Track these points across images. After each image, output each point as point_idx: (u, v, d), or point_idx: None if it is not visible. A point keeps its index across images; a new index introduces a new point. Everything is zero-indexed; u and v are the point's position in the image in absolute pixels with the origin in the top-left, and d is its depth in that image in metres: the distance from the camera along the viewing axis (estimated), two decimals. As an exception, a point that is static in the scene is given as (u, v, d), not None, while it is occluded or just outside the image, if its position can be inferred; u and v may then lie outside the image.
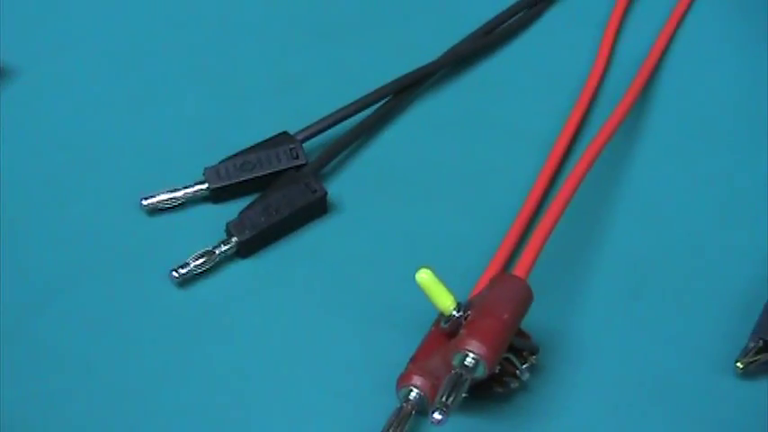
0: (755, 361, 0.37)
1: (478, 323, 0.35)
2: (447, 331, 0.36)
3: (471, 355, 0.34)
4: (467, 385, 0.34)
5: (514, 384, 0.37)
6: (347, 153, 0.44)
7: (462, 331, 0.35)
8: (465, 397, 0.36)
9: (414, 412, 0.36)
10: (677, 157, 0.44)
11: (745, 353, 0.37)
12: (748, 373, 0.37)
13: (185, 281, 0.40)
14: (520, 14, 0.48)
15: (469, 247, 0.40)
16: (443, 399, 0.34)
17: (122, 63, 0.46)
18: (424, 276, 0.36)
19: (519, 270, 0.37)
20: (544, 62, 0.47)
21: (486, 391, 0.37)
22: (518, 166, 0.43)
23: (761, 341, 0.37)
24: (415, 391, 0.36)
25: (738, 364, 0.37)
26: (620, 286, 0.40)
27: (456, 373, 0.34)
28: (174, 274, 0.39)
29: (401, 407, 0.36)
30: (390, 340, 0.38)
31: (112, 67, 0.46)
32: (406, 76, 0.45)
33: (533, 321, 0.37)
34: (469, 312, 0.35)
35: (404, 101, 0.45)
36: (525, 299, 0.36)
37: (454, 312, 0.36)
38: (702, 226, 0.42)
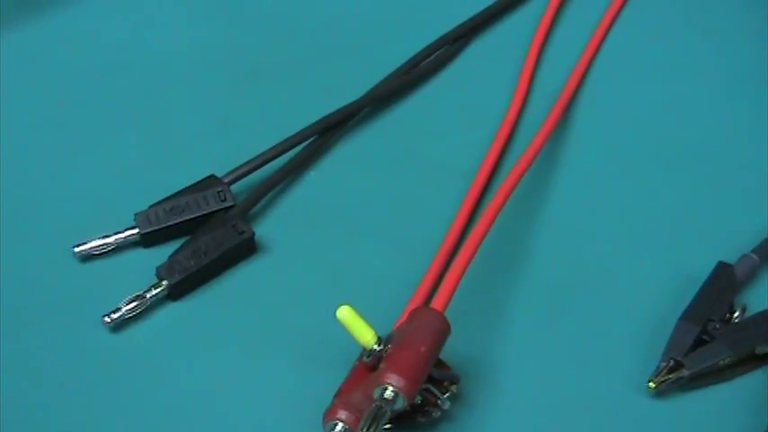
0: (666, 380, 0.39)
1: (397, 356, 0.36)
2: (369, 365, 0.37)
3: (390, 387, 0.35)
4: (387, 416, 0.35)
5: (436, 414, 0.38)
6: (274, 193, 0.45)
7: (382, 365, 0.36)
8: (391, 428, 0.37)
9: (340, 447, 0.37)
10: (593, 186, 0.45)
11: (656, 372, 0.39)
12: (660, 392, 0.39)
13: (118, 325, 0.41)
14: (440, 51, 0.50)
15: (395, 281, 0.41)
16: (364, 429, 0.35)
17: (53, 112, 0.47)
18: (345, 313, 0.37)
19: (437, 303, 0.38)
20: (464, 97, 0.49)
21: (410, 420, 0.38)
22: (440, 201, 0.44)
23: (672, 361, 0.39)
24: (340, 424, 0.37)
25: (651, 384, 0.39)
26: (537, 312, 0.41)
27: (376, 405, 0.35)
28: (107, 319, 0.40)
29: (327, 441, 0.37)
30: (320, 375, 0.39)
31: (44, 116, 0.47)
32: (329, 115, 0.46)
33: (455, 350, 0.38)
34: (389, 346, 0.36)
35: (329, 140, 0.47)
36: (443, 331, 0.37)
37: (375, 346, 0.37)
38: (617, 252, 0.43)
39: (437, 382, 0.37)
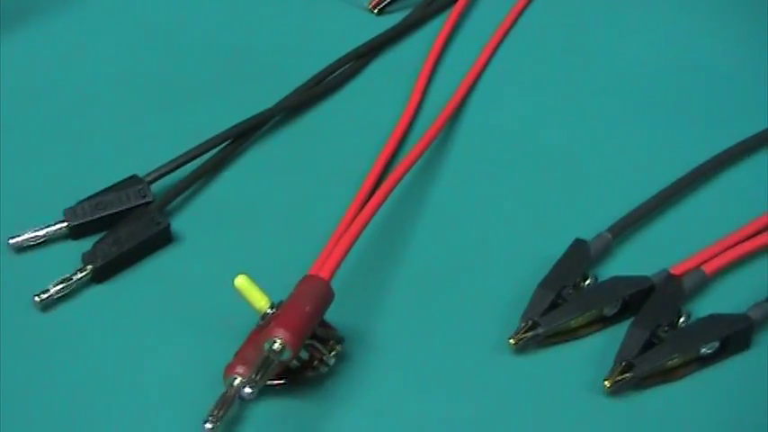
0: (525, 338, 0.44)
1: (283, 314, 0.41)
2: (263, 328, 0.42)
3: (278, 340, 0.40)
4: (275, 365, 0.40)
5: (323, 369, 0.43)
6: (190, 192, 0.50)
7: (271, 323, 0.41)
8: (284, 383, 0.42)
9: (237, 396, 0.42)
10: (469, 183, 0.51)
11: (516, 331, 0.44)
12: (520, 349, 0.44)
13: (47, 305, 0.45)
14: (344, 68, 0.55)
15: (293, 269, 0.44)
16: (254, 376, 0.40)
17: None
18: (241, 281, 0.42)
19: (323, 272, 0.43)
20: (364, 110, 0.54)
21: (301, 376, 0.43)
22: (337, 198, 0.49)
23: (530, 321, 0.44)
24: (238, 378, 0.42)
25: (511, 341, 0.44)
26: (415, 287, 0.46)
27: (265, 355, 0.40)
28: (37, 298, 0.45)
29: (226, 392, 0.42)
30: (224, 346, 0.43)
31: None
32: (243, 122, 0.52)
33: (342, 318, 0.43)
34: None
35: (242, 146, 0.52)
36: (326, 294, 0.42)
37: (268, 310, 0.42)
38: (486, 237, 0.48)
39: (323, 340, 0.42)
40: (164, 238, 0.48)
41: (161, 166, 0.49)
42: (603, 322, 0.45)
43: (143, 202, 0.48)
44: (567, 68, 0.56)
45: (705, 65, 0.56)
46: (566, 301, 0.44)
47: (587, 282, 0.45)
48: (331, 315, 0.43)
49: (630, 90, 0.55)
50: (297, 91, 0.54)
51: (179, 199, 0.49)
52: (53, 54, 0.56)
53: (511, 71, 0.56)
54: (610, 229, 0.47)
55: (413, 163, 0.49)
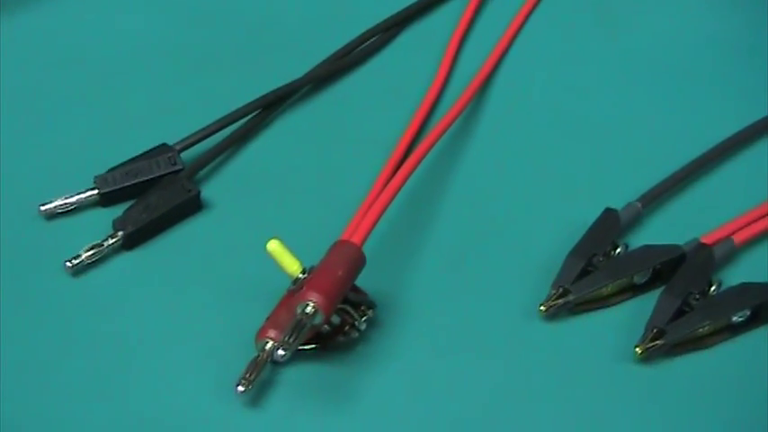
0: (555, 305, 0.44)
1: (316, 278, 0.41)
2: (295, 292, 0.42)
3: (311, 304, 0.40)
4: (307, 329, 0.41)
5: (354, 334, 0.43)
6: (220, 160, 0.50)
7: (304, 287, 0.41)
8: (316, 347, 0.42)
9: (269, 359, 0.42)
10: (499, 152, 0.51)
11: (547, 298, 0.44)
12: (550, 316, 0.44)
13: (78, 270, 0.45)
14: (372, 39, 0.55)
15: (322, 236, 0.44)
16: (287, 339, 0.40)
17: (26, 98, 0.52)
18: (273, 245, 0.42)
19: (355, 238, 0.43)
20: (392, 81, 0.54)
21: (332, 341, 0.43)
22: (367, 167, 0.49)
23: (560, 288, 0.44)
24: (270, 342, 0.42)
25: (541, 308, 0.44)
26: (446, 254, 0.47)
27: (298, 318, 0.40)
28: (68, 264, 0.45)
29: (258, 355, 0.42)
30: (255, 311, 0.43)
31: (11, 98, 0.52)
32: (272, 92, 0.52)
33: (373, 284, 0.43)
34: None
35: (271, 115, 0.52)
36: (358, 259, 0.42)
37: (300, 275, 0.42)
38: (518, 205, 0.48)
39: (355, 305, 0.43)
40: (194, 206, 0.48)
41: (190, 135, 0.50)
42: (634, 291, 0.45)
43: (173, 169, 0.48)
44: (596, 39, 0.56)
45: (736, 37, 0.56)
46: (596, 269, 0.44)
47: (618, 250, 0.45)
48: (362, 281, 0.43)
49: (661, 61, 0.55)
50: (326, 61, 0.54)
51: (208, 167, 0.50)
52: (85, 22, 0.56)
53: (539, 42, 0.56)
54: (640, 199, 0.47)
55: (444, 131, 0.49)
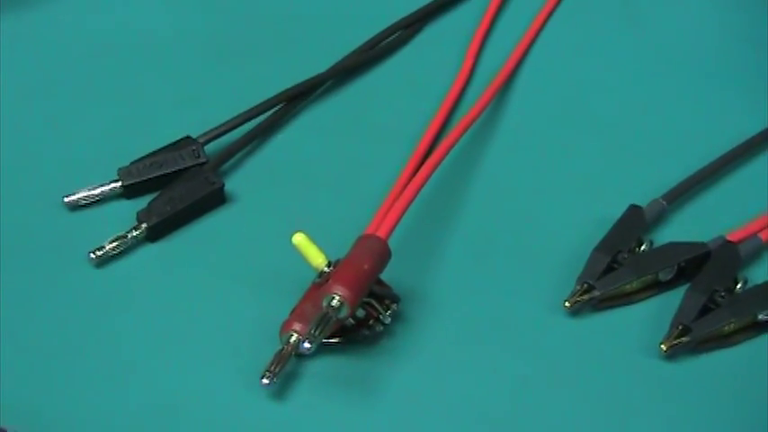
0: (580, 300, 0.44)
1: (342, 271, 0.41)
2: (321, 285, 0.42)
3: (337, 297, 0.40)
4: (332, 322, 0.41)
5: (379, 328, 0.43)
6: (244, 153, 0.50)
7: (329, 280, 0.41)
8: (340, 341, 0.42)
9: (294, 352, 0.42)
10: (523, 146, 0.51)
11: (572, 294, 0.44)
12: (574, 311, 0.44)
13: (102, 262, 0.46)
14: (396, 34, 0.55)
15: (346, 229, 0.45)
16: (312, 331, 0.40)
17: (50, 87, 0.52)
18: (299, 238, 0.42)
19: (380, 231, 0.43)
20: (415, 75, 0.54)
21: (357, 335, 0.43)
22: (390, 161, 0.49)
23: (585, 284, 0.44)
24: (295, 335, 0.42)
25: (566, 303, 0.44)
26: (471, 249, 0.47)
27: (323, 311, 0.40)
28: (92, 255, 0.45)
29: (282, 348, 0.42)
30: (279, 303, 0.43)
31: (42, 91, 0.52)
32: (296, 85, 0.52)
33: (398, 277, 0.43)
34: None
35: (295, 108, 0.52)
36: (383, 253, 0.42)
37: (325, 268, 0.42)
38: (543, 199, 0.48)
39: (379, 298, 0.43)
40: (218, 199, 0.48)
41: (214, 128, 0.50)
42: (659, 287, 0.45)
43: (197, 162, 0.48)
44: (620, 34, 0.56)
45: (764, 32, 0.55)
46: (621, 265, 0.44)
47: (643, 247, 0.45)
48: (387, 275, 0.43)
49: (686, 56, 0.55)
50: (350, 55, 0.54)
51: (232, 160, 0.50)
52: (112, 13, 0.56)
53: (562, 38, 0.56)
54: (664, 196, 0.47)
55: (468, 126, 0.49)
